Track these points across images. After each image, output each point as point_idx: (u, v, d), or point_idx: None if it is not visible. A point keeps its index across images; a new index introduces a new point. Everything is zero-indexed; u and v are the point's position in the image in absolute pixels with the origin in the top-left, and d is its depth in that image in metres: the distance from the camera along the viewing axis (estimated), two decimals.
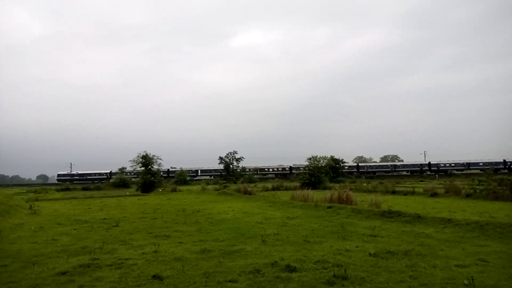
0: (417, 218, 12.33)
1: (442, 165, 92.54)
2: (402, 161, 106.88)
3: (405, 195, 25.69)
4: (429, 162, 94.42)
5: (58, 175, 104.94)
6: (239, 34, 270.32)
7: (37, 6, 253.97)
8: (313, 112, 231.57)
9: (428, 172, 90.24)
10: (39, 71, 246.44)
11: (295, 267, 6.81)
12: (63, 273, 6.93)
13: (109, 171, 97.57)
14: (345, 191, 18.88)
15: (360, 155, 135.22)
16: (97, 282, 6.33)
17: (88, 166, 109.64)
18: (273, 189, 36.37)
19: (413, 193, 25.76)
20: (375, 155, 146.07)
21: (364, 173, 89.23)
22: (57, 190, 50.92)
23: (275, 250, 8.45)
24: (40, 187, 62.17)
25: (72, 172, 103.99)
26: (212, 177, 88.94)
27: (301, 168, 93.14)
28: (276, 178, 79.94)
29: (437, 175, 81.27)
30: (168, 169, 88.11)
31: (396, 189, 28.99)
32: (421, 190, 26.49)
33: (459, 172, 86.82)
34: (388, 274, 6.39)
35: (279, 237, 10.24)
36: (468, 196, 21.29)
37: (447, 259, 7.35)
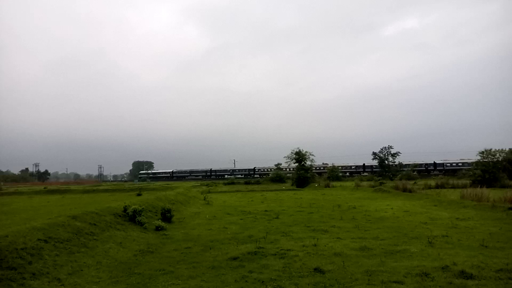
0: None
1: (449, 164, 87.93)
2: None
3: None
4: (434, 162, 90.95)
5: (139, 173, 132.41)
6: (391, 22, 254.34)
7: (206, 23, 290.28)
8: (488, 100, 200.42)
9: (435, 172, 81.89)
10: (210, 81, 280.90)
11: (472, 274, 6.03)
12: (235, 258, 7.76)
13: (171, 171, 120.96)
14: None
15: None
16: (264, 269, 6.84)
17: (247, 163, 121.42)
18: (437, 186, 32.86)
19: None
20: None
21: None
22: (224, 184, 57.33)
23: (445, 254, 7.64)
24: (210, 181, 70.86)
25: (148, 171, 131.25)
26: (365, 174, 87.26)
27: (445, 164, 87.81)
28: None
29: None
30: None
31: None
32: None
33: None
34: None
35: (449, 239, 9.23)
36: None
37: None
